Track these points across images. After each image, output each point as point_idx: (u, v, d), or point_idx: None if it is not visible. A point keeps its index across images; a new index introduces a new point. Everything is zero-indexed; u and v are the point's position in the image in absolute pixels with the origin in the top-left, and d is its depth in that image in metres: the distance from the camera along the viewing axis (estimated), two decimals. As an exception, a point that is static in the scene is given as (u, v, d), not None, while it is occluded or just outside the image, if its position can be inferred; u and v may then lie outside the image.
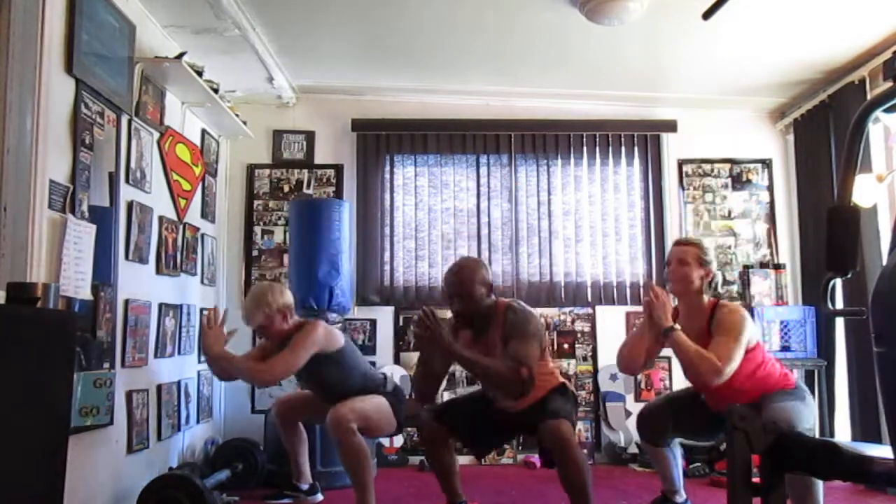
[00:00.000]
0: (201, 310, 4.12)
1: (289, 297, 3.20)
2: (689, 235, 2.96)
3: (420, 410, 3.11)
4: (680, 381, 3.98)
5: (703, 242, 2.93)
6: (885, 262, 1.59)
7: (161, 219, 3.53)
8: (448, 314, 2.79)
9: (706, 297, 2.84)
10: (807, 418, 2.62)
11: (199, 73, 3.59)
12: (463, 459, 4.00)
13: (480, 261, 2.94)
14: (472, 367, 2.76)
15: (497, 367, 2.66)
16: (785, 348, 4.26)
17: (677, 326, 2.72)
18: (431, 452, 2.97)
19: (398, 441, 4.51)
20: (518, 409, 2.83)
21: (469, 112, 4.78)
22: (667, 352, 2.93)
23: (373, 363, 4.60)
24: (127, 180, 3.16)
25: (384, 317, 4.68)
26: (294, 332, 3.14)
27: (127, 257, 3.15)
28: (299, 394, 3.68)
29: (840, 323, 4.15)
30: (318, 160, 4.78)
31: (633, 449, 4.48)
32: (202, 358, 4.13)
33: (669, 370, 4.62)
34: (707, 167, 4.90)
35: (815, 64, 4.16)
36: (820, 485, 2.57)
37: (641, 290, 4.72)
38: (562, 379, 2.97)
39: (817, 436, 3.86)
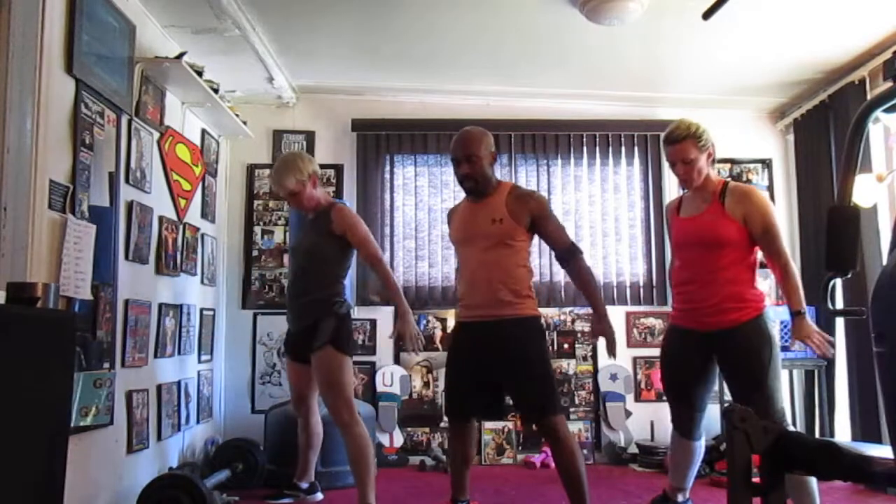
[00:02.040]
0: (201, 310, 4.13)
1: (316, 165, 3.30)
2: (676, 124, 2.85)
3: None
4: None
5: (693, 125, 2.81)
6: (885, 262, 1.59)
7: (161, 219, 3.53)
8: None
9: (714, 175, 2.84)
10: (779, 367, 2.66)
11: (199, 73, 3.59)
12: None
13: (485, 130, 2.95)
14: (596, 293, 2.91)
15: (590, 279, 2.88)
16: (785, 348, 4.25)
17: (803, 310, 2.69)
18: (456, 446, 2.97)
19: (398, 441, 4.51)
20: (491, 318, 2.78)
21: (469, 112, 4.77)
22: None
23: (373, 363, 4.63)
24: (127, 180, 3.16)
25: (384, 317, 4.68)
26: (325, 206, 3.23)
27: (127, 257, 3.15)
28: (293, 382, 3.60)
29: (840, 323, 4.15)
30: (318, 160, 4.73)
31: (633, 449, 4.48)
32: (202, 357, 4.14)
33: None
34: (707, 167, 4.89)
35: (815, 64, 4.16)
36: (815, 483, 2.57)
37: (641, 290, 4.73)
38: (532, 300, 2.87)
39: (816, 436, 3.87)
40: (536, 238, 4.86)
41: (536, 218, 2.82)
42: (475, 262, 2.85)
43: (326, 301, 3.16)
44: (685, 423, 2.90)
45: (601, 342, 2.92)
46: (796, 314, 2.69)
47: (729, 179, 2.87)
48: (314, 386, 3.32)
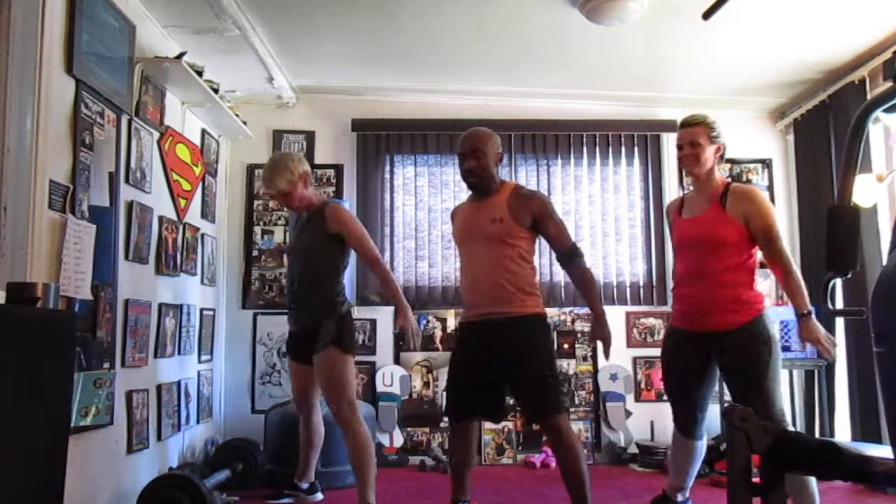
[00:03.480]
0: (201, 310, 4.12)
1: (307, 165, 3.28)
2: (693, 113, 2.93)
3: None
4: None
5: (710, 118, 2.86)
6: (885, 262, 1.59)
7: (161, 219, 3.53)
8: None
9: (718, 173, 2.84)
10: (779, 375, 2.66)
11: (199, 73, 3.59)
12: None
13: (493, 132, 2.97)
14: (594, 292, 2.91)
15: (587, 279, 2.89)
16: (785, 348, 4.25)
17: (809, 311, 2.68)
18: (456, 445, 2.97)
19: (398, 441, 4.51)
20: (498, 317, 2.78)
21: (469, 112, 4.77)
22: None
23: (373, 363, 4.63)
24: (127, 180, 3.16)
25: (384, 317, 4.68)
26: (318, 206, 3.21)
27: (127, 257, 3.15)
28: (295, 382, 3.60)
29: (840, 323, 4.15)
30: (318, 160, 4.78)
31: (633, 449, 4.48)
32: (202, 357, 4.14)
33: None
34: (707, 167, 4.90)
35: (815, 64, 4.16)
36: (814, 483, 2.57)
37: (641, 290, 4.73)
38: (538, 299, 2.87)
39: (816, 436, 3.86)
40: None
41: (538, 218, 2.83)
42: (477, 262, 2.86)
43: (327, 300, 3.16)
44: (686, 423, 2.90)
45: (599, 342, 2.92)
46: (802, 316, 2.68)
47: (730, 180, 2.87)
48: (316, 385, 3.32)
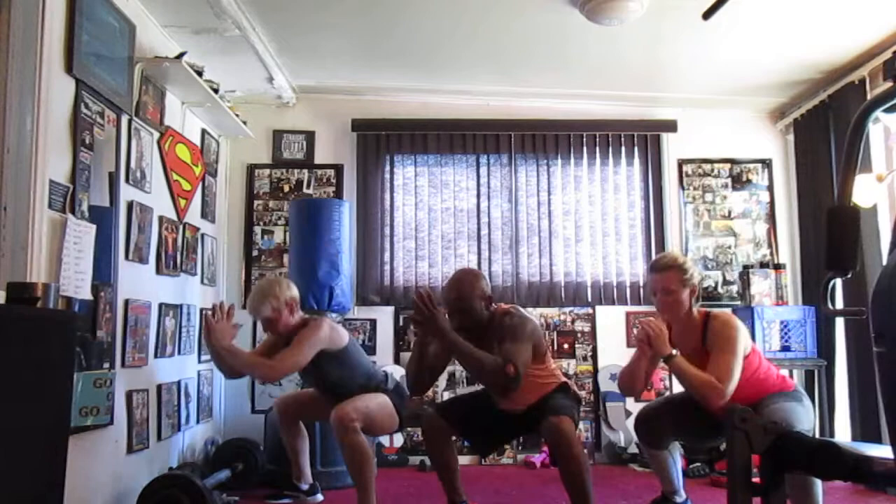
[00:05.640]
0: (202, 310, 4.12)
1: (295, 291, 3.23)
2: (664, 254, 2.93)
3: (422, 409, 3.12)
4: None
5: (680, 258, 2.83)
6: (885, 262, 1.59)
7: (161, 219, 3.53)
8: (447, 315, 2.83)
9: (696, 311, 2.82)
10: (804, 420, 2.60)
11: (199, 73, 3.59)
12: (463, 459, 4.01)
13: (478, 272, 2.96)
14: (461, 355, 2.73)
15: (485, 360, 2.67)
16: (785, 348, 4.26)
17: (676, 353, 2.72)
18: (433, 449, 2.97)
19: (398, 441, 4.51)
20: (520, 410, 2.84)
21: (469, 112, 4.78)
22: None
23: (373, 363, 4.62)
24: (127, 180, 3.16)
25: (384, 317, 4.68)
26: (299, 328, 3.16)
27: (127, 257, 3.15)
28: (300, 393, 3.69)
29: (840, 323, 4.15)
30: (318, 160, 4.78)
31: (633, 449, 4.48)
32: (203, 357, 4.14)
33: (669, 371, 4.61)
34: (707, 167, 4.90)
35: (815, 64, 4.16)
36: (819, 484, 2.57)
37: (641, 290, 4.73)
38: (563, 379, 2.98)
39: (816, 436, 3.86)
40: (538, 239, 4.88)
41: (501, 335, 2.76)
42: None
43: (363, 389, 3.19)
44: (656, 441, 2.90)
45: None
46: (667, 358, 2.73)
47: (709, 311, 2.83)
48: (311, 416, 3.40)
